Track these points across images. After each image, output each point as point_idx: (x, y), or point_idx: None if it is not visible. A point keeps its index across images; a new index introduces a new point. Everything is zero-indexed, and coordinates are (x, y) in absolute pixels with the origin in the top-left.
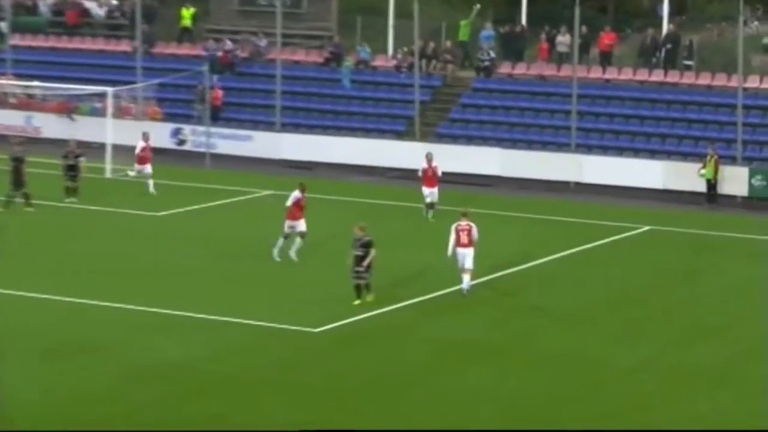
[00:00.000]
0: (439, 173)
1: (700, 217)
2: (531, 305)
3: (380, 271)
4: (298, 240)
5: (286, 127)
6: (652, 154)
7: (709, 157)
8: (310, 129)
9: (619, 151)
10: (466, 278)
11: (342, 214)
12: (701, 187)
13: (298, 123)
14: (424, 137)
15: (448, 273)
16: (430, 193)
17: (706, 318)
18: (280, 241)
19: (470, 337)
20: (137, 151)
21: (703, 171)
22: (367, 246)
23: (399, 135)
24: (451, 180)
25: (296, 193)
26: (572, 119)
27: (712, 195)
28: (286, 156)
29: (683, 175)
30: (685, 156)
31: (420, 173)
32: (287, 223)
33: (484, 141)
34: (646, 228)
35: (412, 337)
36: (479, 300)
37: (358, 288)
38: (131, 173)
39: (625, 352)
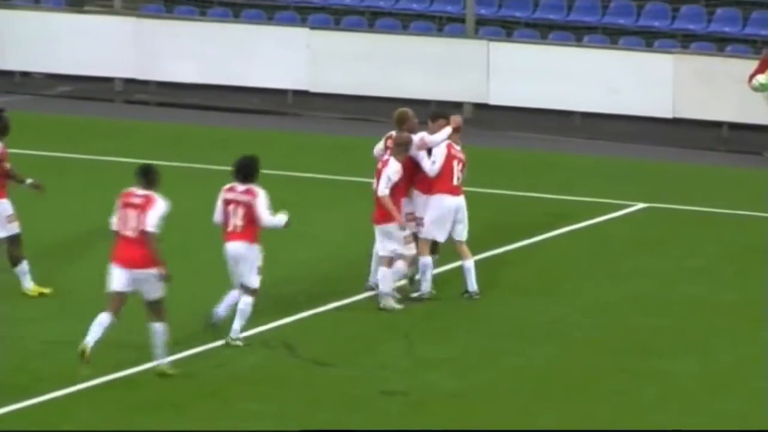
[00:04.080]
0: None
1: (754, 180)
2: (402, 364)
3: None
4: None
5: None
6: (648, 41)
7: None
8: None
9: (576, 35)
10: (468, 264)
11: None
12: (758, 115)
13: None
14: (134, 7)
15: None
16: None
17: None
18: None
19: None
20: None
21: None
22: None
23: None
24: (192, 102)
25: None
26: None
27: None
28: None
29: (717, 88)
30: (720, 46)
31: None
32: None
33: (270, 15)
34: (639, 206)
35: None
36: (286, 376)
37: None
38: None
39: None
